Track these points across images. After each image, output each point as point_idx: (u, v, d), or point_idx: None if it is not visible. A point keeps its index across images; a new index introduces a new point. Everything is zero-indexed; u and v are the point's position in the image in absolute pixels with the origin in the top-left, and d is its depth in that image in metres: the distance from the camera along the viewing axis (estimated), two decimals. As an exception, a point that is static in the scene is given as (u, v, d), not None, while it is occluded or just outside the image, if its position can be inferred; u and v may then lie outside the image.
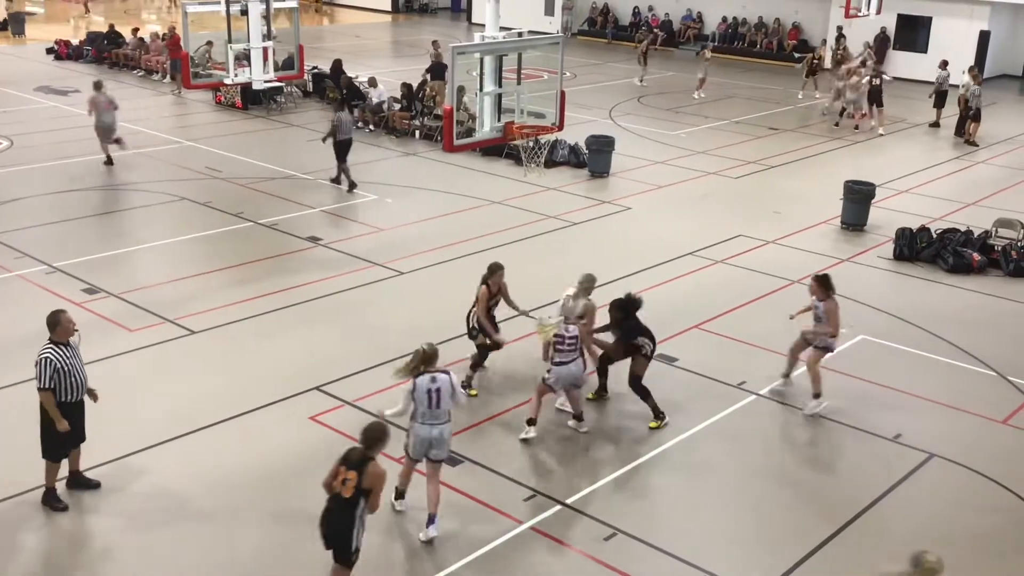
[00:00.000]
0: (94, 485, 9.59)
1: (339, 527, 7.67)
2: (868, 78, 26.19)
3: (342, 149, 19.71)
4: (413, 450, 9.15)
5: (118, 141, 20.64)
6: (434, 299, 14.35)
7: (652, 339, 11.18)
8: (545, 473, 10.31)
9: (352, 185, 19.69)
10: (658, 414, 11.15)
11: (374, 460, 7.66)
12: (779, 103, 30.08)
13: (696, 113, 28.18)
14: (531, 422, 10.76)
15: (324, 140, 19.95)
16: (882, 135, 25.81)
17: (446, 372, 9.10)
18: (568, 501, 9.69)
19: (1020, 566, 9.14)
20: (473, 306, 11.65)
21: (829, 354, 11.76)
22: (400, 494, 9.46)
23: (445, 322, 12.82)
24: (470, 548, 8.93)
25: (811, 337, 11.68)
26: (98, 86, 20.85)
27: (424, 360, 9.03)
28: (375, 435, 7.73)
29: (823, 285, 11.45)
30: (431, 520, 9.05)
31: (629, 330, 11.14)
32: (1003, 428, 11.49)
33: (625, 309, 11.17)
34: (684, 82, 31.99)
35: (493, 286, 11.59)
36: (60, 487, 9.44)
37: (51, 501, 9.28)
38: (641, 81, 31.66)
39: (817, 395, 11.55)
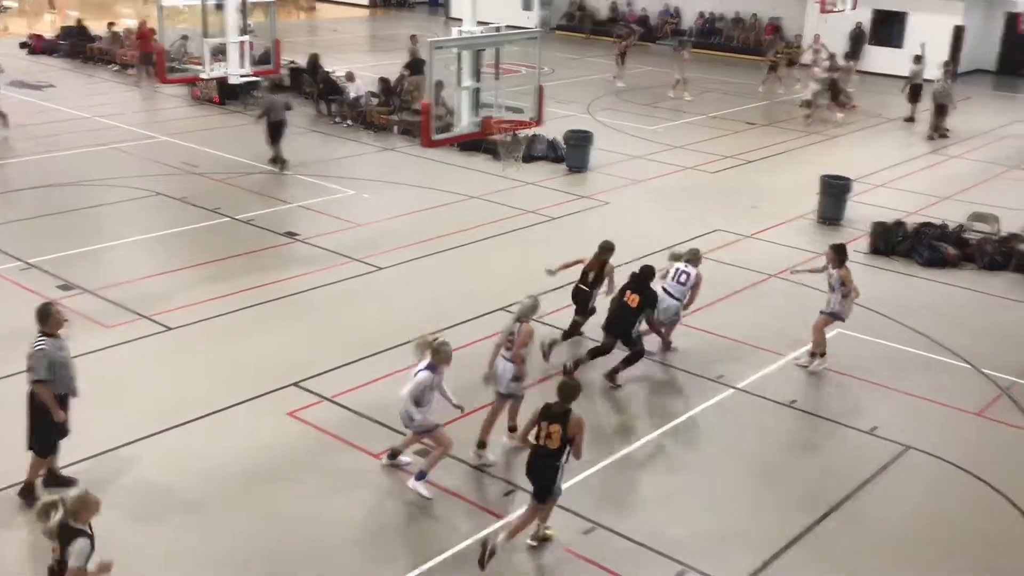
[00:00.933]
0: (71, 483, 9.50)
1: (546, 473, 8.62)
2: (827, 73, 26.67)
3: (275, 131, 20.16)
4: None
5: (2, 116, 21.91)
6: (412, 294, 14.33)
7: (617, 335, 11.85)
8: (524, 467, 10.27)
9: (281, 163, 20.22)
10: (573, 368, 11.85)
11: (573, 411, 8.54)
12: (756, 98, 30.18)
13: (674, 108, 28.24)
14: (512, 429, 10.68)
15: (257, 119, 20.47)
16: (838, 120, 26.60)
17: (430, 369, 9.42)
18: (547, 495, 9.70)
19: (993, 557, 9.23)
20: (591, 284, 12.37)
21: (838, 321, 12.53)
22: (393, 453, 10.15)
23: (423, 317, 12.82)
24: (450, 543, 8.94)
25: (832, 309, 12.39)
26: None
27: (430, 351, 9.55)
28: (572, 390, 8.68)
29: (839, 253, 12.24)
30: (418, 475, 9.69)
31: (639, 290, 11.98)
32: (978, 420, 11.60)
33: (639, 277, 12.00)
34: (661, 77, 32.03)
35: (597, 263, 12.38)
36: (37, 484, 9.33)
37: (30, 498, 9.18)
38: (621, 82, 31.38)
39: (815, 355, 12.39)
